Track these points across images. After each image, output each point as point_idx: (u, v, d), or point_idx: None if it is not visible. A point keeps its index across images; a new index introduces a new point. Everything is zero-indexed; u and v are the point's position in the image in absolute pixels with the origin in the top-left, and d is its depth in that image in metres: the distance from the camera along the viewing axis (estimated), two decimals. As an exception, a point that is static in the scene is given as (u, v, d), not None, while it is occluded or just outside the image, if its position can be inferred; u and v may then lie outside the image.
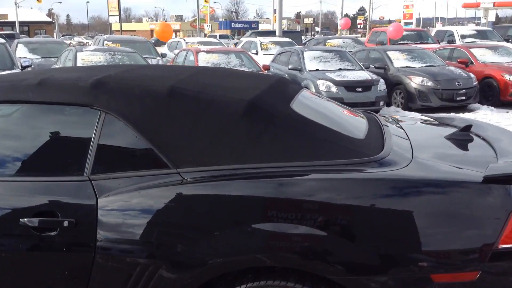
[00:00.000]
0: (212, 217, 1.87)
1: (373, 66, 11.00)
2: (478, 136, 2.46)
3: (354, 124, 2.38)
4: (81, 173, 2.04)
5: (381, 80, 9.78)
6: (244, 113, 2.04)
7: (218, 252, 1.84)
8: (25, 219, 1.95)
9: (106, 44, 12.95)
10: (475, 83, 10.28)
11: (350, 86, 9.37)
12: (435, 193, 1.82)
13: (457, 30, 17.33)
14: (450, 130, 2.53)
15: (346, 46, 15.13)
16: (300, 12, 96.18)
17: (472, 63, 11.49)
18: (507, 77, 10.54)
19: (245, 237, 1.82)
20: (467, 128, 2.45)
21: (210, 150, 1.99)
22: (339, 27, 39.38)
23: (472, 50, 11.94)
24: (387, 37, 10.21)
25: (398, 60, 11.10)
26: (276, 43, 15.78)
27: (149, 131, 2.03)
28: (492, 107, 10.44)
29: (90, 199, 1.98)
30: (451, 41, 16.37)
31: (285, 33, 20.77)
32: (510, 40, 16.27)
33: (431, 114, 3.36)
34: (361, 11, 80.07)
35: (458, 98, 9.99)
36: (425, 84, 10.04)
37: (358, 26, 63.08)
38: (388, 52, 11.43)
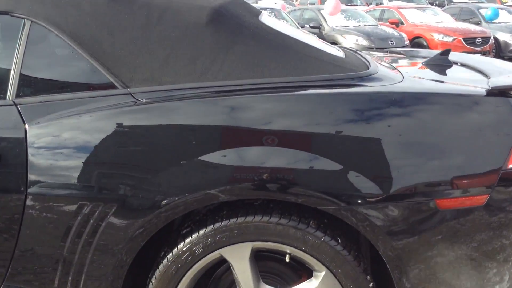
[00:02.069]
0: (171, 144, 1.52)
1: (308, 26, 10.81)
2: (455, 62, 2.26)
3: (329, 46, 2.09)
4: (3, 96, 1.61)
5: (317, 38, 9.62)
6: (209, 21, 1.69)
7: (174, 189, 1.50)
8: None
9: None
10: (407, 42, 10.39)
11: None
12: (440, 107, 1.58)
13: (385, -7, 17.57)
14: (423, 59, 2.32)
15: (278, 6, 14.82)
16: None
17: (402, 23, 11.62)
18: (436, 36, 10.75)
19: (209, 168, 1.49)
20: (446, 52, 2.24)
21: (168, 65, 1.62)
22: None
23: (402, 10, 12.09)
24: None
25: (332, 19, 10.98)
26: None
27: (89, 44, 1.62)
28: (423, 66, 10.64)
29: (16, 127, 1.56)
30: (379, 3, 16.57)
31: None
32: (434, 4, 16.72)
33: (394, 49, 3.15)
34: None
35: (392, 57, 10.06)
36: (360, 43, 10.00)
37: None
38: (322, 12, 11.28)
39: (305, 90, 1.60)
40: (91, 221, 1.54)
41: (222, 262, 1.68)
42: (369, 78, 1.67)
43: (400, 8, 12.40)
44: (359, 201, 1.49)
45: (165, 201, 1.50)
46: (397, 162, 1.51)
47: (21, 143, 1.54)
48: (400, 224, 1.53)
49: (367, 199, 1.49)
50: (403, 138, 1.52)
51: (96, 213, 1.54)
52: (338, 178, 1.49)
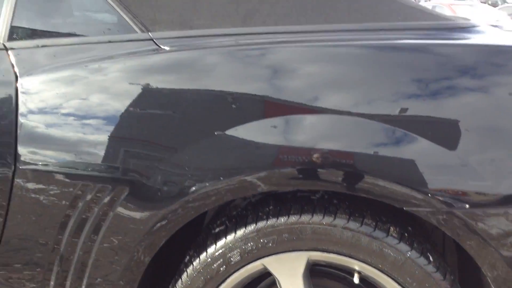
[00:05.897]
0: (200, 111, 1.11)
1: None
2: None
3: None
4: None
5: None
6: None
7: (204, 172, 1.09)
8: None
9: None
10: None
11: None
12: None
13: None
14: None
15: None
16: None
17: (454, 20, 11.00)
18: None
19: (249, 146, 1.08)
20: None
21: (199, 5, 1.23)
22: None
23: (454, 7, 11.47)
24: None
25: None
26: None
27: None
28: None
29: (6, 76, 1.18)
30: None
31: None
32: (487, 3, 15.91)
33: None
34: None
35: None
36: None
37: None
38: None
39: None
40: (96, 208, 1.15)
41: (264, 275, 1.26)
42: (472, 29, 1.23)
43: (452, 5, 11.75)
44: (467, 204, 1.05)
45: (193, 188, 1.10)
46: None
47: (10, 98, 1.17)
48: None
49: (481, 201, 1.04)
50: None
51: (105, 197, 1.15)
52: (437, 168, 1.05)
